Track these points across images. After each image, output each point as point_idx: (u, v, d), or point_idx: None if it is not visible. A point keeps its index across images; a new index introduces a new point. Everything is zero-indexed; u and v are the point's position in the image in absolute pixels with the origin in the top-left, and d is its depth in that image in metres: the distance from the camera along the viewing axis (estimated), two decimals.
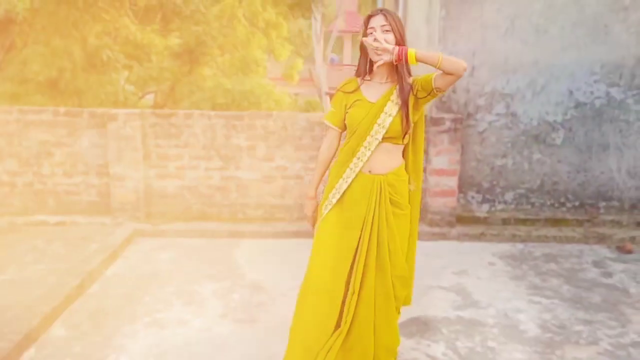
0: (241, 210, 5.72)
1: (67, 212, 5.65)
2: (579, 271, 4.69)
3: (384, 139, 2.59)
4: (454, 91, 5.76)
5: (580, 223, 5.75)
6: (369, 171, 2.63)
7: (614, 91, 5.71)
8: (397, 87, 2.59)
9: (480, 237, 5.47)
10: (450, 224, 5.61)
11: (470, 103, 5.77)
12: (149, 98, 11.61)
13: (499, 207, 5.90)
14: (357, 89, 2.66)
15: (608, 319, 3.78)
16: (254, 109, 8.98)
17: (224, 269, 4.57)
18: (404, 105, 2.56)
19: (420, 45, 5.92)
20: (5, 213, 5.61)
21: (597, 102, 5.74)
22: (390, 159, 2.66)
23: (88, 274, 4.15)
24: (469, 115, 5.78)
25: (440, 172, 5.53)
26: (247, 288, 4.19)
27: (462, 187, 5.82)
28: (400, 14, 6.84)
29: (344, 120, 2.70)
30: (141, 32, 9.53)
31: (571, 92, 5.73)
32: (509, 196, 5.89)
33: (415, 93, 2.57)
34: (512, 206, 5.90)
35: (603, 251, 5.23)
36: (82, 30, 8.50)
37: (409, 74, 2.60)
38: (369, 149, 2.60)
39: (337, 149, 2.79)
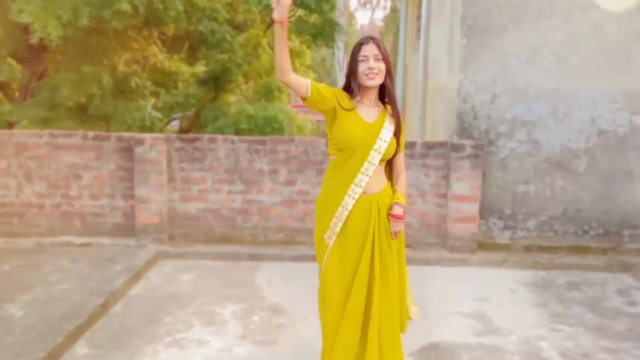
0: (262, 234, 5.77)
1: (92, 233, 5.77)
2: (603, 299, 4.62)
3: (379, 162, 2.71)
4: (475, 118, 5.79)
5: (604, 251, 5.67)
6: (364, 193, 2.71)
7: (636, 119, 5.68)
8: (389, 112, 2.75)
9: (501, 264, 5.43)
10: (472, 250, 5.58)
11: (491, 130, 5.79)
12: (175, 124, 11.83)
13: (521, 234, 5.86)
14: (353, 106, 2.71)
15: (633, 347, 3.71)
16: (276, 134, 9.10)
17: (244, 291, 4.60)
18: (398, 128, 2.75)
19: (441, 74, 5.98)
20: (33, 234, 5.75)
21: (620, 130, 5.71)
22: (381, 178, 2.78)
23: (111, 294, 4.23)
24: (491, 141, 5.79)
25: (461, 198, 5.53)
26: (267, 310, 4.21)
27: (484, 213, 5.80)
28: (421, 43, 6.93)
29: (318, 102, 2.60)
30: (169, 60, 9.78)
31: (594, 120, 5.72)
32: (531, 223, 5.85)
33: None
34: (535, 233, 5.85)
35: (628, 280, 5.14)
36: (112, 58, 8.75)
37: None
38: (367, 175, 2.68)
39: (288, 64, 2.53)
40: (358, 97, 2.74)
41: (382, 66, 2.64)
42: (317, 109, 2.66)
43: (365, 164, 2.67)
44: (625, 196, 5.78)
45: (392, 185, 2.86)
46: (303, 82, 2.55)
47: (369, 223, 2.70)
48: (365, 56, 2.62)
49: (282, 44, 2.48)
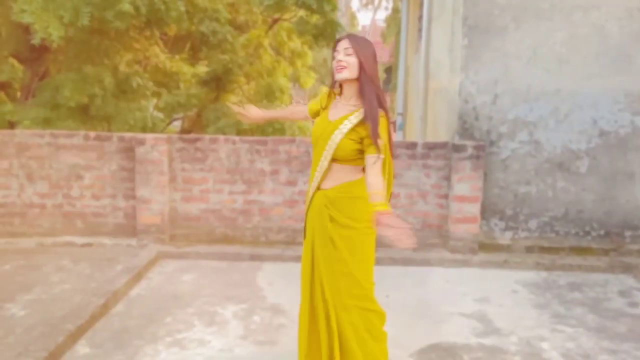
0: (263, 234, 5.78)
1: (94, 233, 5.77)
2: (604, 300, 4.62)
3: (333, 160, 2.67)
4: (476, 118, 5.79)
5: (605, 252, 5.67)
6: (318, 188, 2.77)
7: (638, 120, 5.68)
8: (363, 110, 2.60)
9: (503, 265, 5.43)
10: (473, 251, 5.58)
11: (492, 130, 5.79)
12: (176, 124, 11.85)
13: (523, 234, 5.86)
14: (330, 103, 2.81)
15: (634, 349, 3.71)
16: (278, 135, 9.11)
17: (245, 291, 4.61)
18: (373, 125, 2.55)
19: (442, 74, 5.98)
20: (34, 234, 5.76)
21: (622, 131, 5.70)
22: (338, 177, 2.70)
23: (113, 294, 4.23)
24: (492, 142, 5.79)
25: (462, 199, 5.53)
26: (268, 311, 4.21)
27: (485, 214, 5.80)
28: (422, 43, 6.93)
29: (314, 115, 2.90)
30: (170, 61, 9.78)
31: (595, 121, 5.72)
32: (532, 224, 5.85)
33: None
34: (536, 234, 5.85)
35: (629, 281, 5.14)
36: (113, 59, 8.76)
37: (380, 102, 2.61)
38: (320, 172, 2.72)
39: (295, 115, 3.02)
40: (338, 95, 2.81)
41: (351, 60, 2.60)
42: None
43: (321, 160, 2.69)
44: (627, 197, 5.77)
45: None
46: (303, 114, 2.90)
47: (313, 220, 2.78)
48: (337, 51, 2.65)
49: (275, 119, 2.71)
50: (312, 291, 2.80)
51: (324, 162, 2.67)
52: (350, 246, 2.69)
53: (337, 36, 9.87)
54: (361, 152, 2.63)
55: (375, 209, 2.48)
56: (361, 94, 2.64)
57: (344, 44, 2.63)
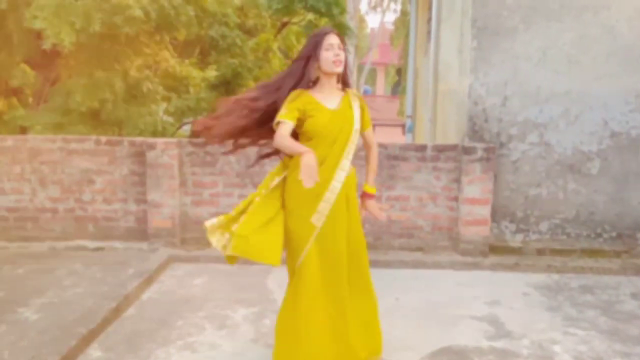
0: None
1: (105, 237, 5.82)
2: (617, 303, 4.58)
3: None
4: (486, 120, 5.77)
5: (617, 254, 5.63)
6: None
7: None
8: (353, 92, 2.99)
9: (514, 267, 5.40)
10: (483, 254, 5.56)
11: (502, 132, 5.77)
12: (186, 128, 11.91)
13: (534, 237, 5.83)
14: (310, 96, 2.87)
15: None
16: None
17: (255, 294, 4.62)
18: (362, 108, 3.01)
19: (452, 76, 5.97)
20: (46, 238, 5.81)
21: (633, 132, 5.67)
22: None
23: (124, 298, 4.25)
24: (502, 144, 5.77)
25: (472, 201, 5.51)
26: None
27: (495, 216, 5.78)
28: (431, 45, 6.92)
29: (298, 120, 2.87)
30: (180, 65, 9.84)
31: (606, 122, 5.68)
32: (543, 226, 5.82)
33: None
34: (547, 236, 5.82)
35: None
36: (124, 64, 8.83)
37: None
38: (349, 159, 2.90)
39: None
40: (317, 88, 2.92)
41: (343, 55, 2.85)
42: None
43: (348, 147, 2.87)
44: (639, 198, 5.73)
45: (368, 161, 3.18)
46: (287, 127, 2.81)
47: (345, 204, 2.95)
48: (331, 44, 2.83)
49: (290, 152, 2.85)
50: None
51: (351, 148, 2.88)
52: (359, 223, 3.09)
53: (346, 39, 9.89)
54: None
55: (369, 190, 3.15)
56: (344, 81, 2.96)
57: (336, 40, 2.85)
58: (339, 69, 2.85)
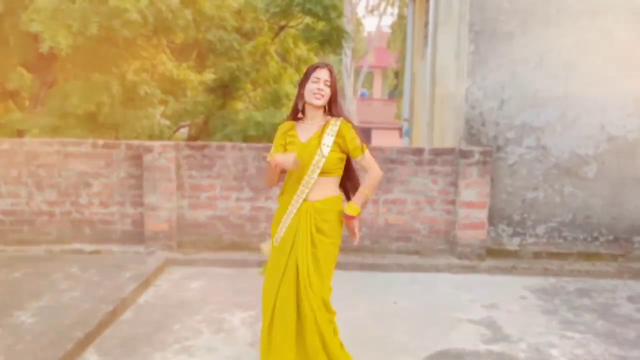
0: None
1: (102, 241, 5.80)
2: (613, 306, 4.59)
3: (320, 173, 2.92)
4: (483, 124, 5.78)
5: (614, 257, 5.64)
6: (304, 200, 2.94)
7: None
8: (339, 120, 2.96)
9: (511, 271, 5.41)
10: (480, 257, 5.56)
11: (499, 136, 5.78)
12: (183, 131, 11.89)
13: (530, 240, 5.83)
14: (292, 128, 3.02)
15: None
16: None
17: (253, 298, 4.60)
18: (355, 129, 2.99)
19: (449, 80, 5.99)
20: (43, 241, 5.79)
21: (630, 136, 5.68)
22: (324, 189, 2.97)
23: (121, 301, 4.25)
24: (499, 148, 5.78)
25: (469, 205, 5.52)
26: None
27: (493, 219, 5.78)
28: (429, 49, 6.94)
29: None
30: (177, 69, 9.81)
31: (603, 126, 5.70)
32: (540, 229, 5.83)
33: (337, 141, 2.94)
34: (544, 240, 5.83)
35: (638, 286, 5.11)
36: (121, 67, 8.80)
37: (347, 117, 3.01)
38: (307, 187, 2.93)
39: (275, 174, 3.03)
40: (300, 116, 3.05)
41: (327, 91, 2.94)
42: None
43: (306, 177, 2.91)
44: (635, 202, 5.74)
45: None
46: (271, 175, 2.98)
47: (297, 227, 2.94)
48: (318, 78, 2.93)
49: (276, 170, 2.91)
50: (298, 292, 2.92)
51: (310, 178, 2.91)
52: (327, 254, 2.97)
53: (344, 42, 9.90)
54: (341, 161, 3.01)
55: (350, 210, 3.01)
56: (331, 112, 3.00)
57: (324, 75, 2.94)
58: (318, 102, 2.93)
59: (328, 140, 2.91)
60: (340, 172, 3.05)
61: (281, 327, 2.93)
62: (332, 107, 3.00)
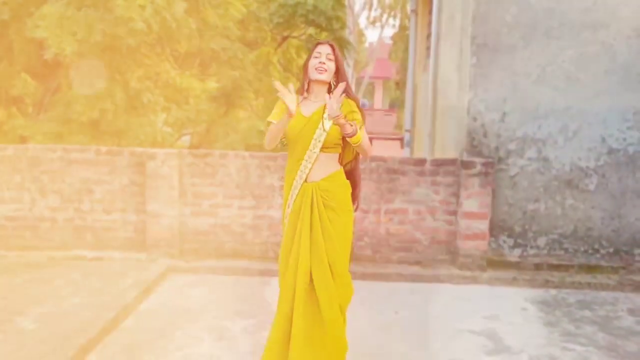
0: (272, 249, 5.79)
1: (104, 247, 5.81)
2: (614, 319, 4.59)
3: (321, 150, 2.96)
4: (485, 135, 5.81)
5: (615, 270, 5.64)
6: (306, 180, 2.98)
7: None
8: (342, 90, 2.81)
9: (512, 282, 5.41)
10: (481, 268, 5.57)
11: (501, 147, 5.81)
12: (186, 139, 11.93)
13: (531, 252, 5.85)
14: (298, 104, 2.95)
15: None
16: (286, 150, 9.15)
17: (254, 306, 4.61)
18: (356, 101, 3.05)
19: (451, 92, 6.02)
20: (45, 247, 5.80)
21: (631, 149, 5.71)
22: (325, 167, 3.00)
23: (123, 308, 4.25)
24: (500, 159, 5.80)
25: (470, 215, 5.53)
26: None
27: (494, 231, 5.80)
28: (431, 61, 6.98)
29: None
30: (180, 77, 9.88)
31: (604, 139, 5.73)
32: (541, 241, 5.84)
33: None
34: (545, 251, 5.84)
35: (639, 299, 5.11)
36: (125, 74, 8.86)
37: (353, 95, 3.02)
38: (310, 162, 2.96)
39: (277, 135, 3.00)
40: (306, 94, 3.04)
41: (331, 65, 2.95)
42: None
43: (308, 152, 2.95)
44: (636, 215, 5.76)
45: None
46: (277, 133, 2.95)
47: (304, 208, 2.97)
48: (319, 53, 2.95)
49: (283, 128, 2.89)
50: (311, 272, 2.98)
51: (312, 152, 2.95)
52: (340, 228, 3.02)
53: (346, 53, 9.96)
54: (342, 137, 2.95)
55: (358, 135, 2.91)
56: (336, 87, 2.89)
57: (326, 49, 2.95)
58: (321, 77, 2.94)
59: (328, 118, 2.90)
60: (340, 150, 3.06)
61: (297, 323, 3.00)
62: (338, 82, 2.94)
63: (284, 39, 11.19)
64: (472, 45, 5.75)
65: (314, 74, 2.95)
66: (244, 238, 5.80)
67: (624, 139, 5.72)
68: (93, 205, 5.81)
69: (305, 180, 2.99)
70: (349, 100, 2.99)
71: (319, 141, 2.93)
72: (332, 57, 2.94)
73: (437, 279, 5.43)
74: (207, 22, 9.42)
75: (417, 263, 5.75)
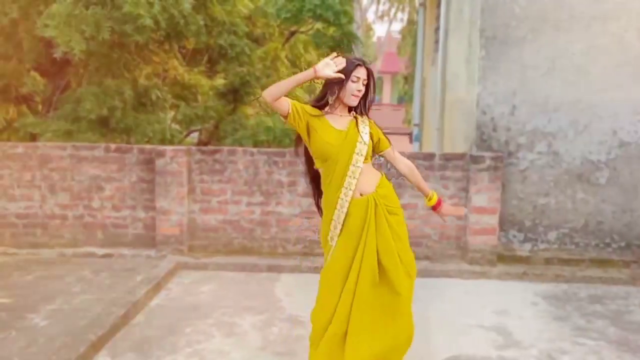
0: (281, 245, 5.80)
1: (114, 244, 5.84)
2: (626, 313, 4.56)
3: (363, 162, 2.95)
4: (494, 129, 5.77)
5: (626, 264, 5.60)
6: (360, 194, 2.93)
7: None
8: (360, 119, 2.98)
9: (522, 277, 5.39)
10: (491, 263, 5.54)
11: (511, 141, 5.77)
12: (194, 136, 11.93)
13: (542, 246, 5.81)
14: (322, 115, 2.95)
15: None
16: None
17: (263, 302, 4.62)
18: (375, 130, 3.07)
19: (459, 86, 5.99)
20: (55, 245, 5.84)
21: None
22: (371, 176, 2.99)
23: (133, 305, 4.27)
24: (510, 153, 5.77)
25: (480, 210, 5.51)
26: (287, 322, 4.22)
27: (504, 225, 5.77)
28: (439, 54, 6.94)
29: (296, 118, 2.90)
30: (188, 74, 9.87)
31: (615, 132, 5.67)
32: (552, 235, 5.80)
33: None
34: (556, 246, 5.80)
35: None
36: (133, 72, 8.86)
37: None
38: (355, 177, 2.91)
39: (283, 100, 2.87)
40: (328, 109, 2.98)
41: (363, 91, 2.95)
42: (295, 126, 2.93)
43: (351, 167, 2.90)
44: None
45: (412, 182, 3.24)
46: (285, 102, 2.86)
47: (365, 222, 2.92)
48: (358, 77, 2.90)
49: (297, 84, 2.87)
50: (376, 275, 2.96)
51: (356, 167, 2.90)
52: (404, 228, 3.09)
53: (354, 47, 9.92)
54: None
55: (433, 201, 3.22)
56: (355, 109, 3.01)
57: (364, 75, 2.92)
58: (354, 102, 2.94)
59: (364, 129, 2.96)
60: (370, 159, 3.08)
61: (360, 318, 2.97)
62: (364, 104, 3.00)
63: (292, 34, 11.13)
64: (480, 38, 5.71)
65: (349, 99, 2.92)
66: (252, 234, 5.81)
67: (635, 132, 5.66)
68: (103, 202, 5.84)
69: (355, 195, 2.92)
70: (371, 121, 3.05)
71: (361, 155, 2.91)
72: (365, 82, 2.93)
73: (446, 274, 5.42)
74: (215, 19, 9.38)
75: (427, 258, 5.73)
